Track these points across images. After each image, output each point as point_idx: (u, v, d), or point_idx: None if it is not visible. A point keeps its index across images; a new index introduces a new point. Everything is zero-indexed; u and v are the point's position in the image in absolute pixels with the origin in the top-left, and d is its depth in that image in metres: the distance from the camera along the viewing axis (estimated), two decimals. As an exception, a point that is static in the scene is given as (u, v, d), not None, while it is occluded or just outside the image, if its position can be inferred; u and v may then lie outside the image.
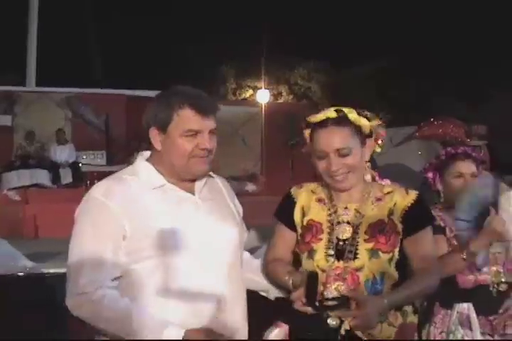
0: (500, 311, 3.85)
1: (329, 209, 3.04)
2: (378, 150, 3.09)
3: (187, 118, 2.81)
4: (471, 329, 3.78)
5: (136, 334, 2.60)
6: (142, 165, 2.91)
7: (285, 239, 3.14)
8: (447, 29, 26.37)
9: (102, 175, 16.96)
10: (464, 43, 25.66)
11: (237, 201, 3.18)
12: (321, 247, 2.97)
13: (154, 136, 2.85)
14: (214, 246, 2.86)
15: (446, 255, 3.72)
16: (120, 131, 19.79)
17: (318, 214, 3.05)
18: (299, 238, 3.08)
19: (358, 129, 2.98)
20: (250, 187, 16.65)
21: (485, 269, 3.82)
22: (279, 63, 29.26)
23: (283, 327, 2.97)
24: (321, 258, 2.95)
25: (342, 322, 2.79)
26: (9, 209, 15.07)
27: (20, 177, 17.00)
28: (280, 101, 31.23)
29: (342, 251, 2.93)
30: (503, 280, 3.84)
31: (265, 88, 26.73)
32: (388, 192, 3.03)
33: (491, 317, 3.82)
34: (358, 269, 2.89)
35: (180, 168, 2.85)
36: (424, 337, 3.88)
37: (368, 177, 3.06)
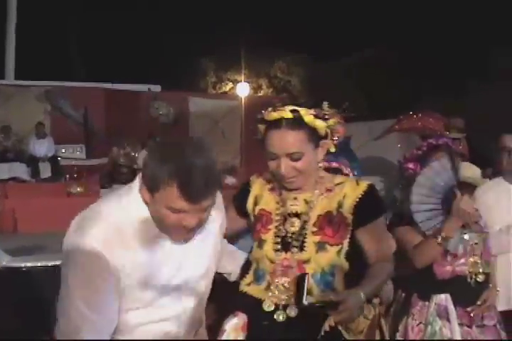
0: (479, 302, 3.87)
1: (278, 202, 3.04)
2: (332, 150, 2.99)
3: (172, 197, 2.40)
4: (448, 320, 3.80)
5: None
6: (136, 205, 2.55)
7: (230, 222, 3.06)
8: (425, 19, 26.42)
9: (81, 169, 16.81)
10: (444, 35, 25.70)
11: (223, 218, 2.93)
12: (269, 238, 2.98)
13: (144, 193, 2.49)
14: (188, 287, 2.70)
15: (421, 243, 3.76)
16: (99, 124, 19.71)
17: (269, 203, 3.06)
18: (252, 227, 3.11)
19: (312, 131, 2.89)
20: (230, 180, 16.59)
21: (462, 260, 3.84)
22: (259, 56, 29.25)
23: (241, 317, 2.99)
24: (269, 248, 2.96)
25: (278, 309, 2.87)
26: (-11, 203, 14.97)
27: (-1, 170, 16.95)
28: (260, 94, 31.23)
29: (289, 243, 2.93)
30: (480, 270, 3.87)
31: (245, 81, 26.73)
32: (339, 183, 3.01)
33: (469, 309, 3.84)
34: (305, 262, 2.89)
35: (163, 230, 2.55)
36: (401, 329, 3.90)
37: (322, 174, 3.04)
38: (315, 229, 2.92)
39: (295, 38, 27.92)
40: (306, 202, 2.98)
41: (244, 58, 27.45)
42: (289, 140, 2.85)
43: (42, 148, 17.78)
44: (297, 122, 2.86)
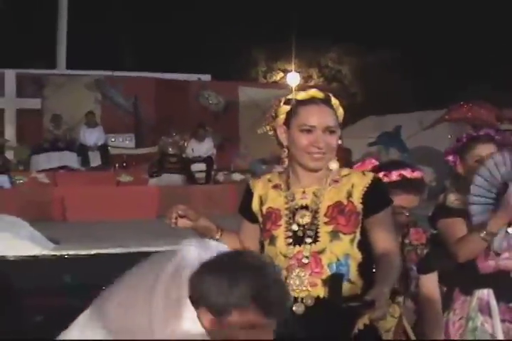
0: None
1: (286, 195, 3.03)
2: (339, 142, 3.07)
3: (248, 318, 2.16)
4: (490, 316, 3.71)
5: None
6: None
7: (247, 233, 3.17)
8: (480, 12, 26.05)
9: (130, 158, 17.03)
10: (499, 23, 25.33)
11: None
12: (281, 233, 2.96)
13: (203, 316, 2.19)
14: None
15: (465, 236, 3.65)
16: (149, 113, 19.83)
17: (276, 200, 3.05)
18: (261, 227, 3.09)
19: (336, 115, 3.03)
20: (279, 169, 16.60)
21: (506, 255, 3.74)
22: (309, 46, 29.11)
23: None
24: (281, 244, 2.95)
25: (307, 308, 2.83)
26: (38, 191, 15.15)
27: (49, 159, 17.09)
28: (310, 84, 31.11)
29: (303, 235, 2.92)
30: None
31: (295, 71, 26.63)
32: (345, 175, 3.02)
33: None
34: (320, 252, 2.87)
35: None
36: (443, 325, 3.82)
37: (334, 166, 3.02)
38: (327, 220, 2.91)
39: (346, 27, 27.73)
40: (315, 194, 2.97)
41: (294, 47, 27.30)
42: (327, 114, 2.96)
43: (92, 137, 17.92)
44: (329, 102, 3.00)
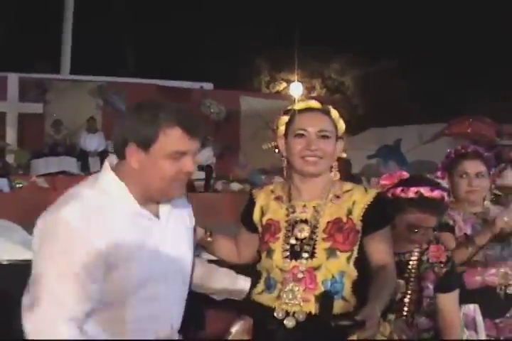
0: (508, 315, 3.80)
1: (287, 208, 3.04)
2: (344, 155, 3.14)
3: (175, 138, 2.50)
4: (476, 331, 3.74)
5: None
6: (113, 185, 2.60)
7: (245, 241, 3.21)
8: (482, 26, 26.10)
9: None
10: (499, 39, 25.37)
11: (191, 212, 2.98)
12: (278, 246, 2.98)
13: (132, 152, 2.53)
14: (174, 274, 2.73)
15: (454, 249, 3.68)
16: (150, 120, 19.84)
17: (277, 212, 3.07)
18: (260, 238, 3.11)
19: (335, 126, 3.07)
20: (278, 180, 16.64)
21: (492, 271, 3.78)
22: (313, 57, 29.16)
23: (247, 320, 3.03)
24: (278, 257, 2.96)
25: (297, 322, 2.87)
26: (37, 195, 15.16)
27: (48, 164, 17.11)
28: (313, 94, 31.15)
29: (300, 250, 2.94)
30: (511, 282, 3.79)
31: (298, 81, 26.66)
32: (347, 190, 3.04)
33: (497, 320, 3.78)
34: (316, 268, 2.89)
35: (158, 191, 2.59)
36: None
37: (335, 177, 3.07)
38: (325, 236, 2.93)
39: (349, 38, 27.79)
40: (315, 209, 2.99)
41: (298, 58, 27.35)
42: (320, 120, 3.03)
43: (93, 142, 17.95)
44: (325, 112, 3.07)
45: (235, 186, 17.49)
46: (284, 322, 2.87)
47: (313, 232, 2.95)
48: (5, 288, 4.96)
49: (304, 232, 2.96)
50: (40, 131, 18.69)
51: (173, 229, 2.73)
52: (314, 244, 2.92)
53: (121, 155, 2.60)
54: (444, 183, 3.75)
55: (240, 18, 29.46)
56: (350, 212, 2.96)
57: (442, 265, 3.45)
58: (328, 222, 2.95)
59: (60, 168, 17.16)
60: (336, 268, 2.89)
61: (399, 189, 3.33)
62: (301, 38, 26.89)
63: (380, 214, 2.98)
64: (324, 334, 2.76)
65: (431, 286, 3.42)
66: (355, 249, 2.93)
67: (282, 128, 3.09)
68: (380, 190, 3.33)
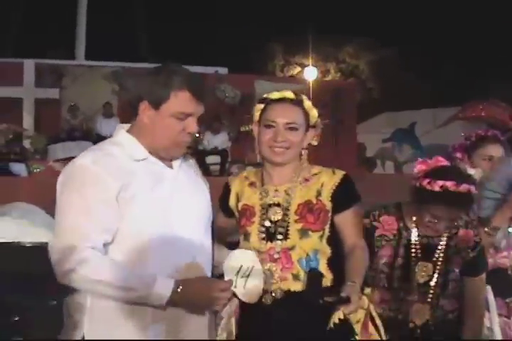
0: None
1: (261, 192, 3.23)
2: (315, 143, 3.28)
3: (183, 100, 2.85)
4: (488, 310, 3.82)
5: (129, 290, 2.70)
6: (125, 137, 2.95)
7: (221, 224, 3.34)
8: (498, 10, 25.96)
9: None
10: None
11: (197, 168, 3.28)
12: (254, 229, 3.17)
13: (144, 109, 2.89)
14: (190, 214, 2.97)
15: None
16: (164, 105, 19.85)
17: (251, 197, 3.25)
18: (237, 223, 3.29)
19: (307, 116, 3.22)
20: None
21: (504, 253, 3.86)
22: (327, 40, 29.13)
23: (233, 301, 3.11)
24: (255, 240, 3.15)
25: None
26: (54, 179, 15.24)
27: (65, 149, 17.15)
28: (327, 78, 31.12)
29: (274, 232, 3.12)
30: None
31: (312, 65, 26.62)
32: (315, 174, 3.21)
33: (508, 300, 3.87)
34: (290, 248, 3.09)
35: (161, 148, 2.92)
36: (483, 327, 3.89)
37: (305, 165, 3.24)
38: (297, 217, 3.12)
39: (363, 21, 27.72)
40: (287, 192, 3.17)
41: (312, 42, 27.29)
42: (289, 112, 3.18)
43: (109, 127, 17.94)
44: (298, 102, 3.21)
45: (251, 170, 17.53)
46: (262, 300, 3.06)
47: (285, 214, 3.13)
48: (29, 270, 5.09)
49: (277, 215, 3.14)
50: (57, 116, 18.73)
51: (187, 178, 3.05)
52: (287, 226, 3.12)
53: (134, 111, 2.92)
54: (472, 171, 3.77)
55: (255, 3, 29.41)
56: (319, 194, 3.15)
57: (470, 250, 3.48)
58: (299, 204, 3.14)
59: (76, 152, 16.89)
60: (310, 246, 3.09)
61: (426, 180, 3.30)
62: (316, 22, 26.89)
63: (348, 193, 3.18)
64: (309, 311, 2.97)
65: (457, 270, 3.47)
66: (327, 228, 3.12)
67: (257, 115, 3.26)
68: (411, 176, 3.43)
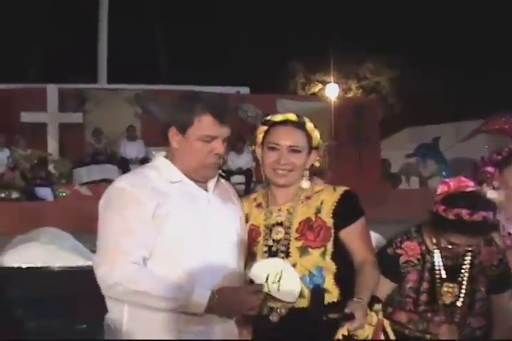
0: None
1: (265, 213, 3.28)
2: (317, 164, 3.33)
3: (207, 124, 3.03)
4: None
5: (170, 300, 2.87)
6: (161, 161, 3.14)
7: None
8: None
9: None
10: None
11: (235, 192, 3.41)
12: (259, 249, 3.22)
13: (173, 135, 3.08)
14: (225, 237, 3.12)
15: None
16: (188, 126, 19.91)
17: (257, 218, 3.30)
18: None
19: (309, 139, 3.28)
20: (317, 181, 16.66)
21: None
22: (347, 57, 29.15)
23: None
24: (260, 259, 3.18)
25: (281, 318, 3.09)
26: (80, 203, 15.35)
27: (90, 172, 17.30)
28: (349, 95, 31.13)
29: (276, 251, 3.16)
30: None
31: (334, 82, 26.65)
32: (317, 191, 3.25)
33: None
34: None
35: (192, 170, 3.08)
36: None
37: (305, 185, 3.25)
38: (297, 235, 3.17)
39: (384, 38, 27.76)
40: (289, 211, 3.22)
41: (333, 59, 27.36)
42: (293, 135, 3.25)
43: (133, 150, 18.11)
44: (301, 125, 3.28)
45: (275, 189, 17.52)
46: (269, 317, 3.10)
47: (287, 233, 3.18)
48: (57, 294, 5.13)
49: (279, 234, 3.19)
50: (81, 140, 18.87)
51: (222, 201, 3.20)
52: (288, 244, 3.17)
53: (165, 138, 3.12)
54: (493, 195, 3.67)
55: (275, 22, 29.53)
56: (318, 211, 3.19)
57: (494, 268, 3.44)
58: (300, 222, 3.19)
59: (101, 175, 17.27)
60: (311, 264, 3.12)
61: (442, 207, 3.23)
62: (336, 39, 26.97)
63: (350, 209, 3.22)
64: (313, 327, 2.97)
65: (483, 289, 3.43)
66: (329, 244, 3.15)
67: (260, 137, 3.31)
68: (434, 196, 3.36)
